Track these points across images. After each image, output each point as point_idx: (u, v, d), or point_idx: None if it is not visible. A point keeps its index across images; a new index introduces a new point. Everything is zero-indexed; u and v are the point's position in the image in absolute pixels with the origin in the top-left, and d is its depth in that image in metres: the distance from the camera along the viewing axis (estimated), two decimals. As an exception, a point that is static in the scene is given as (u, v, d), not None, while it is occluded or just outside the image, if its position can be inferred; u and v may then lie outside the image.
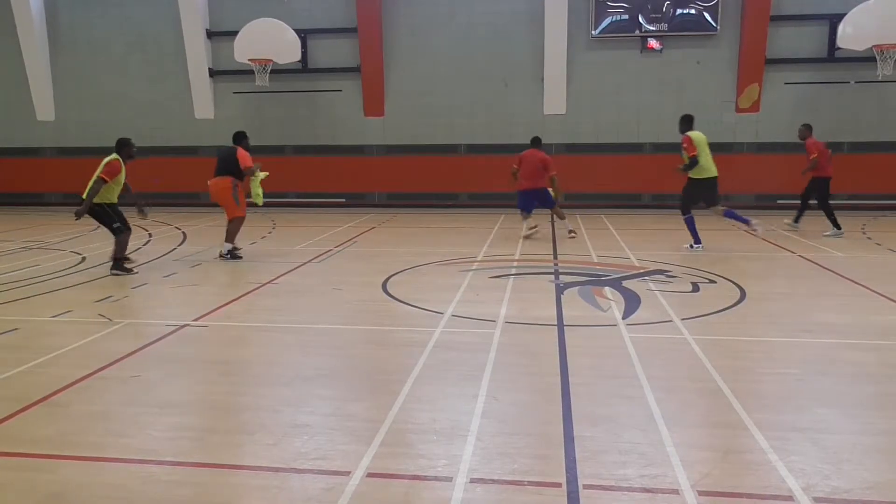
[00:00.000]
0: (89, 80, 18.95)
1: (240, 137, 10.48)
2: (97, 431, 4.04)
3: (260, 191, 10.40)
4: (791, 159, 16.67)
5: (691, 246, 10.73)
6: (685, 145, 10.43)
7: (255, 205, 10.54)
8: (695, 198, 10.82)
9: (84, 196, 8.86)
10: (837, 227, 12.28)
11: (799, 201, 13.00)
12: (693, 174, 10.57)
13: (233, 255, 10.14)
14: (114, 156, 9.06)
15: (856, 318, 6.68)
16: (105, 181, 8.85)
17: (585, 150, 17.41)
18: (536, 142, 12.37)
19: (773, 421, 4.10)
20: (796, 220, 13.06)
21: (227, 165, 10.17)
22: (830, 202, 12.49)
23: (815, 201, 12.57)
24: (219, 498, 3.31)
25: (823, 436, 3.89)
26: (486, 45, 17.54)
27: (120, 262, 9.03)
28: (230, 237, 10.22)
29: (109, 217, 9.03)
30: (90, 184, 8.85)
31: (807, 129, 12.76)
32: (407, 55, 17.91)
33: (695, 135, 10.47)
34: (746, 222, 10.71)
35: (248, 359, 5.53)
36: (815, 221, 12.97)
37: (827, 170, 12.37)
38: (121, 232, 9.08)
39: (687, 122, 10.70)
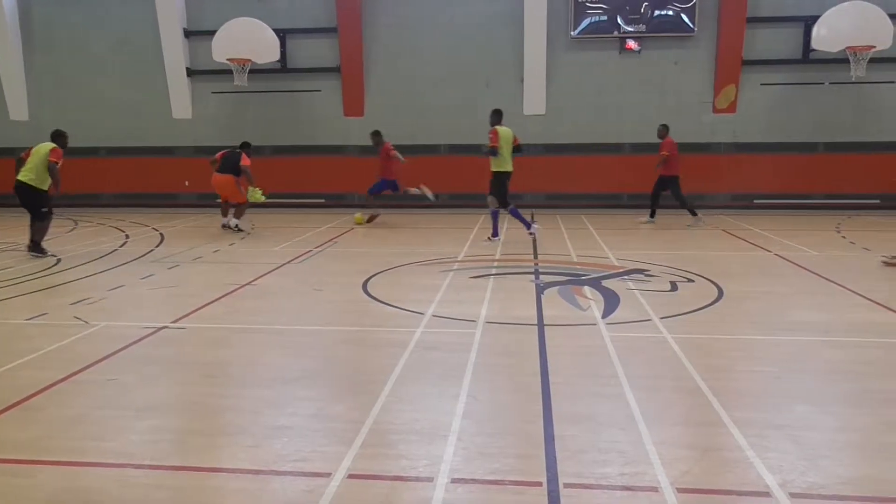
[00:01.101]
0: (64, 80, 18.69)
1: (245, 146, 13.40)
2: (73, 435, 3.98)
3: (257, 195, 13.00)
4: (768, 159, 16.93)
5: (489, 239, 11.63)
6: (491, 136, 11.33)
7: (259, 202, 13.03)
8: (503, 188, 11.58)
9: (46, 186, 10.02)
10: (694, 214, 13.64)
11: (650, 199, 14.24)
12: (496, 167, 11.47)
13: (238, 228, 12.97)
14: (52, 144, 10.08)
15: (832, 316, 6.78)
16: (58, 164, 9.91)
17: (565, 150, 17.48)
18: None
19: (752, 418, 4.14)
20: (652, 216, 14.19)
21: (231, 166, 12.86)
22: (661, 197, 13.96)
23: (674, 198, 13.88)
24: (198, 501, 3.28)
25: (801, 432, 3.94)
26: (466, 45, 17.56)
27: (39, 245, 9.91)
28: (239, 215, 13.17)
29: (43, 201, 9.94)
30: (42, 172, 9.98)
31: (665, 129, 13.98)
32: (387, 55, 17.88)
33: (501, 129, 11.42)
34: (528, 226, 11.56)
35: (228, 360, 5.49)
36: (711, 218, 13.13)
37: (676, 169, 13.70)
38: (46, 217, 9.93)
39: (497, 116, 11.62)
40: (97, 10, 18.42)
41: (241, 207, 13.14)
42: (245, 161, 12.86)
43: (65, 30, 18.62)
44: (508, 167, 11.56)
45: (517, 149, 11.64)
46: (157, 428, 4.10)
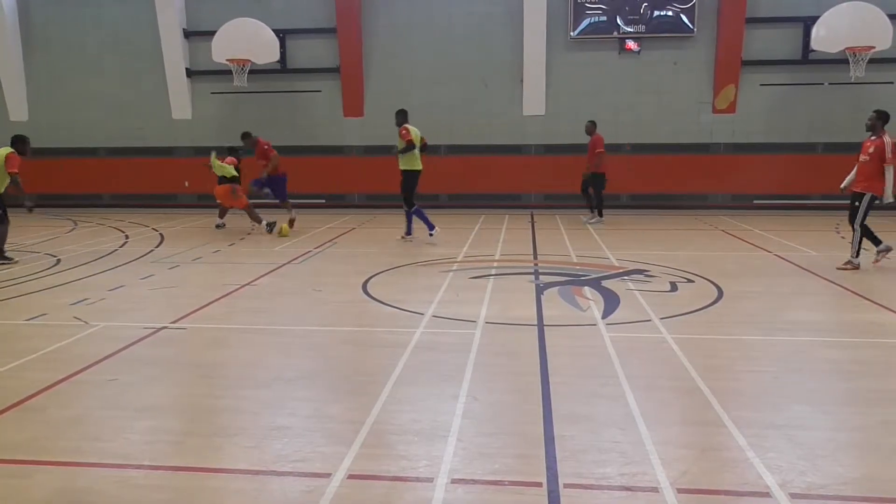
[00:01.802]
0: (64, 80, 18.69)
1: (230, 150, 13.40)
2: (73, 436, 3.98)
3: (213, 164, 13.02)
4: (767, 160, 16.93)
5: (430, 234, 11.50)
6: (403, 132, 11.27)
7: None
8: (413, 188, 11.57)
9: (16, 194, 9.86)
10: (601, 215, 14.32)
11: (586, 199, 14.60)
12: (407, 166, 11.42)
13: (270, 226, 12.84)
14: (10, 149, 9.73)
15: (830, 316, 6.79)
16: (17, 174, 9.67)
17: (564, 150, 17.46)
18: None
19: (751, 418, 4.14)
20: (601, 215, 14.37)
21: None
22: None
23: (592, 192, 14.34)
24: (197, 502, 3.28)
25: (799, 432, 3.94)
26: (465, 46, 17.56)
27: (2, 253, 9.71)
28: (255, 219, 13.05)
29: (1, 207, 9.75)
30: (7, 182, 9.73)
31: (593, 126, 14.23)
32: (386, 56, 17.88)
33: (411, 128, 11.41)
34: (430, 227, 11.53)
35: (228, 361, 5.49)
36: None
37: (604, 166, 14.08)
38: (4, 222, 9.72)
39: (402, 116, 11.62)
40: (97, 11, 18.41)
41: (248, 211, 13.14)
42: (231, 162, 13.08)
43: (64, 30, 18.61)
44: (419, 166, 11.56)
45: (424, 148, 11.68)
46: (157, 428, 4.10)
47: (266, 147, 13.07)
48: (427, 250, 10.69)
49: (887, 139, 8.85)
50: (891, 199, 8.88)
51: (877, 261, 9.22)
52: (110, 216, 14.29)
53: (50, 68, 18.74)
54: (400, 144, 11.39)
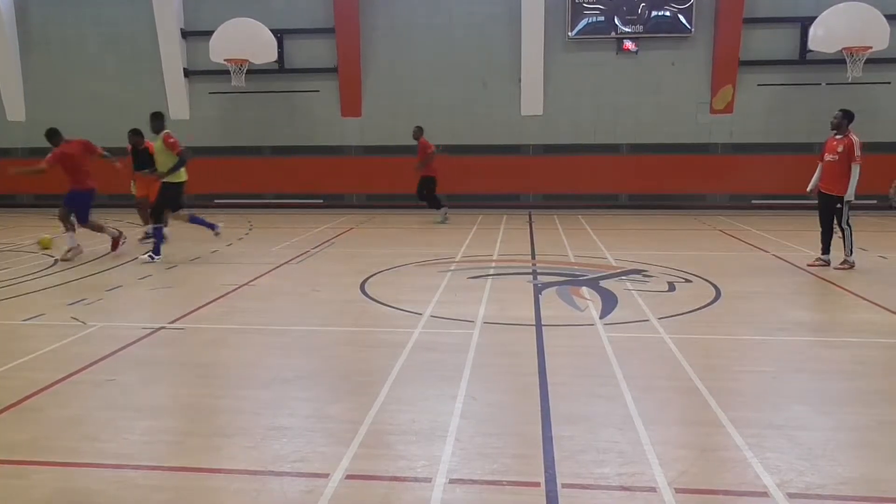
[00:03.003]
0: (61, 80, 18.67)
1: (137, 132, 11.95)
2: (71, 436, 3.98)
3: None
4: (765, 160, 16.96)
5: (151, 257, 9.80)
6: (172, 143, 9.83)
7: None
8: (171, 202, 10.10)
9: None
10: (439, 207, 14.61)
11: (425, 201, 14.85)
12: (171, 178, 9.93)
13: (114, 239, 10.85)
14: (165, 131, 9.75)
15: (828, 316, 6.80)
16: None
17: (563, 150, 17.51)
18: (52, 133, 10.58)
19: (749, 418, 4.15)
20: (444, 214, 14.61)
21: (146, 160, 11.30)
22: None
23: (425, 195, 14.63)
24: (196, 502, 3.28)
25: (798, 432, 3.95)
26: (463, 46, 17.57)
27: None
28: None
29: None
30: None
31: (419, 131, 14.47)
32: (385, 56, 17.88)
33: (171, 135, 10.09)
34: (212, 227, 10.44)
35: (226, 361, 5.49)
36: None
37: (434, 169, 14.40)
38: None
39: (160, 121, 10.13)
40: (94, 11, 18.40)
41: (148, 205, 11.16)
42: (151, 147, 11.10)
43: (62, 30, 18.60)
44: (185, 177, 10.14)
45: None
46: (156, 429, 4.10)
47: (64, 153, 10.22)
48: (425, 250, 10.69)
49: (854, 138, 8.96)
50: (851, 199, 8.94)
51: (812, 264, 9.31)
52: (108, 216, 14.23)
53: (47, 68, 18.72)
54: (170, 159, 9.85)
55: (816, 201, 9.31)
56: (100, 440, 3.92)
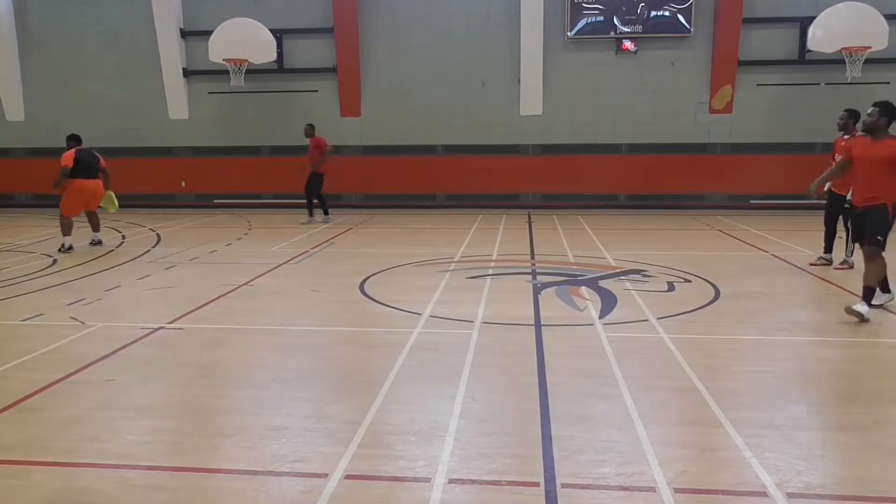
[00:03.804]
0: (60, 80, 18.64)
1: (75, 138, 11.19)
2: (70, 436, 3.98)
3: (114, 202, 11.42)
4: (764, 160, 16.96)
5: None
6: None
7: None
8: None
9: None
10: (326, 213, 14.73)
11: (317, 199, 14.71)
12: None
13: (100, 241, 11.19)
14: None
15: (827, 316, 6.79)
16: None
17: (562, 150, 17.50)
18: None
19: (748, 418, 4.15)
20: (311, 214, 14.54)
21: (95, 168, 11.03)
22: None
23: (313, 195, 14.49)
24: (195, 502, 3.28)
25: (797, 432, 3.95)
26: (463, 46, 17.56)
27: None
28: (98, 225, 11.33)
29: None
30: None
31: (311, 128, 14.40)
32: (384, 56, 17.88)
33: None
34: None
35: (225, 361, 5.49)
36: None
37: (325, 167, 14.31)
38: None
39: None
40: (93, 10, 18.37)
41: (97, 217, 11.36)
42: (102, 161, 11.15)
43: (61, 30, 18.57)
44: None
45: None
46: (155, 429, 4.10)
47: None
48: (424, 250, 10.69)
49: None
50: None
51: (814, 263, 9.38)
52: (107, 216, 14.25)
53: (46, 68, 18.70)
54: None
55: (825, 201, 9.33)
56: (99, 440, 3.92)
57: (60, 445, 3.85)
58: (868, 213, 6.57)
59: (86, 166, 10.85)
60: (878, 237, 6.48)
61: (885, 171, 6.46)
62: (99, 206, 11.28)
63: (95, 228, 11.35)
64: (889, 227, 6.53)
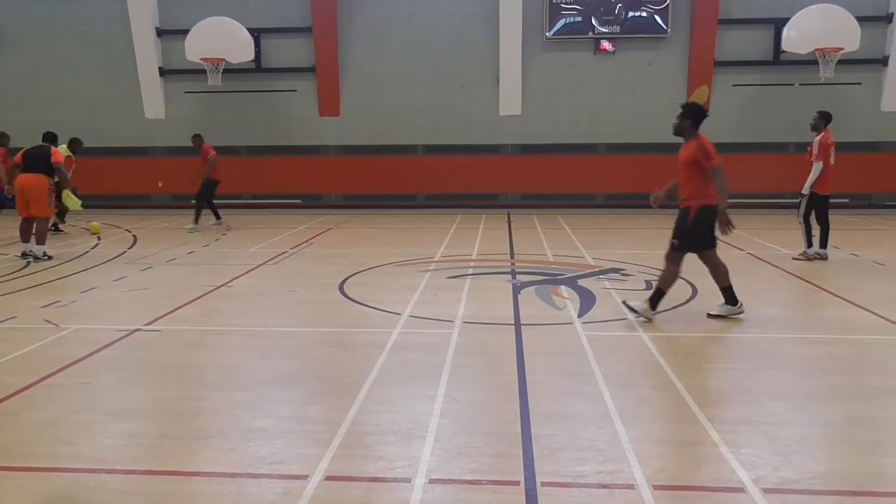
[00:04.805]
0: (33, 79, 18.38)
1: (51, 137, 10.64)
2: (46, 440, 3.92)
3: (74, 201, 11.27)
4: (740, 159, 17.12)
5: None
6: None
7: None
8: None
9: None
10: (218, 218, 13.98)
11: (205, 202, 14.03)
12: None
13: (46, 255, 9.91)
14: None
15: (803, 313, 6.89)
16: None
17: (541, 150, 17.58)
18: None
19: (725, 415, 4.19)
20: (196, 222, 13.54)
21: (41, 163, 9.97)
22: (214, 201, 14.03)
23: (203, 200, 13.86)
24: (173, 505, 3.24)
25: (773, 428, 4.00)
26: (442, 46, 17.58)
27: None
28: (43, 237, 10.00)
29: None
30: None
31: (199, 139, 14.00)
32: (363, 55, 17.84)
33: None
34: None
35: (203, 363, 5.44)
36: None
37: (220, 173, 13.80)
38: None
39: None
40: (67, 8, 18.15)
41: (44, 224, 10.09)
42: (57, 156, 10.09)
43: (34, 27, 18.31)
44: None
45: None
46: (132, 432, 4.05)
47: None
48: (404, 250, 10.68)
49: (825, 138, 9.35)
50: (807, 193, 9.49)
51: (796, 258, 9.71)
52: (82, 217, 14.04)
53: (19, 67, 18.42)
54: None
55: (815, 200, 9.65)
56: (75, 444, 3.87)
57: (36, 450, 3.80)
58: (678, 214, 6.53)
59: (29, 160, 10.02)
60: (674, 241, 6.41)
61: (690, 172, 6.40)
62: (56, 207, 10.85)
63: (25, 239, 10.05)
64: (691, 232, 6.37)
